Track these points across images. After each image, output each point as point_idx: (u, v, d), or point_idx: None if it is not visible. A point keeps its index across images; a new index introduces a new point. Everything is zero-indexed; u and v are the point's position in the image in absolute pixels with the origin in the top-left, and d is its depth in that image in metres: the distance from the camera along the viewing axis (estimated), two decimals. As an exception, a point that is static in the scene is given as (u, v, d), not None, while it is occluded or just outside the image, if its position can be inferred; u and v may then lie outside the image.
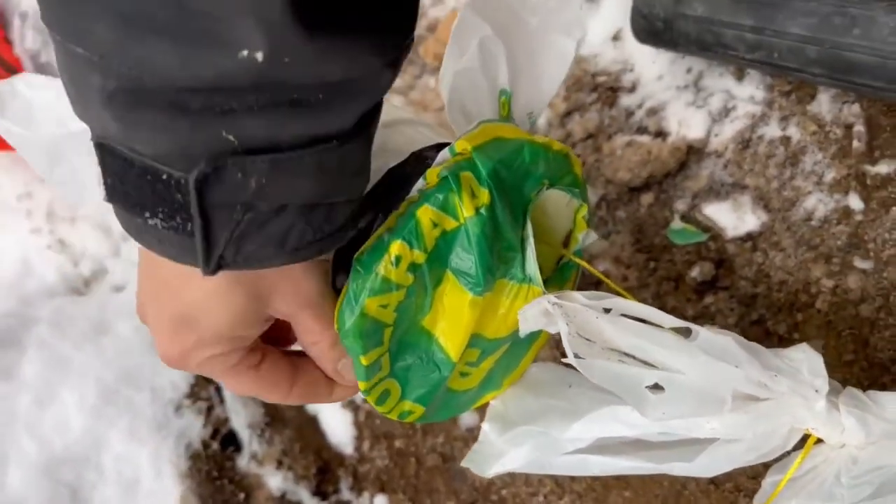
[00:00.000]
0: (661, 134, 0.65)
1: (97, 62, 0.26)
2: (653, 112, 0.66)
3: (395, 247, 0.36)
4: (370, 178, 0.36)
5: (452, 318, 0.40)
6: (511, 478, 0.69)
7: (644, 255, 0.65)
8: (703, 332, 0.40)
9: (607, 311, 0.41)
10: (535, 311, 0.41)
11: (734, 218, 0.60)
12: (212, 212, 0.29)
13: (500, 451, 0.47)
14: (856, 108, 0.57)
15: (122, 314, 0.74)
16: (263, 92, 0.27)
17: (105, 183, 0.31)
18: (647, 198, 0.65)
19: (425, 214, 0.36)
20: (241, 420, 0.76)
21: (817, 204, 0.57)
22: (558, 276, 0.47)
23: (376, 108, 0.33)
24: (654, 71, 0.66)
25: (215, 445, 0.74)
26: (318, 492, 0.78)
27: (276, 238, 0.32)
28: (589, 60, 0.72)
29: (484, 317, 0.41)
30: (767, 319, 0.58)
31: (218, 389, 0.77)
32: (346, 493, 0.77)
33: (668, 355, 0.40)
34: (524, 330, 0.43)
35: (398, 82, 0.88)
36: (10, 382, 0.67)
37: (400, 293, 0.37)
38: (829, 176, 0.57)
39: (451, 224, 0.37)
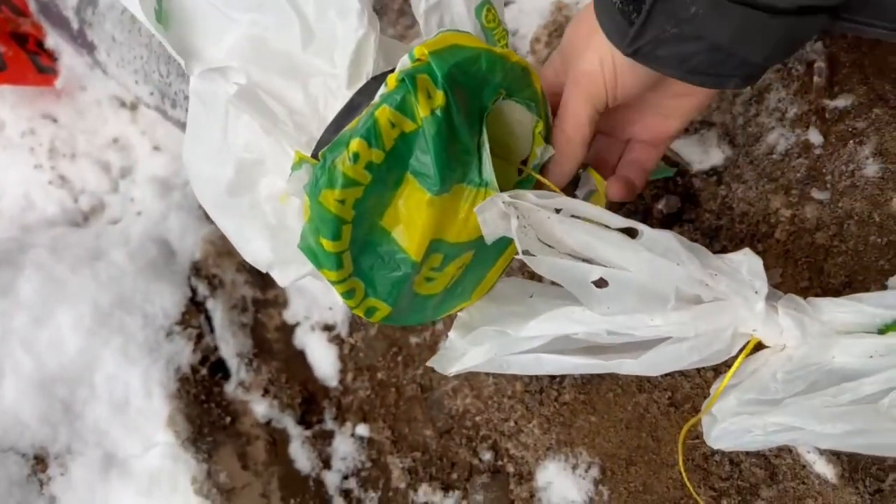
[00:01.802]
0: (636, 75, 0.68)
1: None
2: (629, 54, 0.68)
3: (354, 144, 0.38)
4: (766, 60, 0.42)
5: (412, 218, 0.43)
6: (484, 405, 0.72)
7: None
8: (648, 231, 0.42)
9: (558, 211, 0.43)
10: (493, 213, 0.43)
11: (700, 153, 0.62)
12: (655, 14, 0.39)
13: (461, 352, 0.50)
14: (818, 45, 0.59)
15: (118, 243, 0.77)
16: None
17: None
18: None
19: (383, 114, 0.38)
20: (229, 349, 0.79)
21: (779, 138, 0.59)
22: (518, 189, 0.50)
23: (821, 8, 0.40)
24: (631, 14, 0.68)
25: (204, 371, 0.77)
26: (303, 421, 0.81)
27: (682, 56, 0.41)
28: (570, 6, 0.74)
29: (444, 221, 0.44)
30: (730, 250, 0.61)
31: (208, 319, 0.80)
32: (329, 423, 0.80)
33: (614, 253, 0.42)
34: (487, 234, 0.45)
35: (391, 32, 0.90)
36: (7, 299, 0.70)
37: (357, 190, 0.39)
38: (792, 112, 0.59)
39: (409, 126, 0.39)
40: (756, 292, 0.43)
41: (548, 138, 0.48)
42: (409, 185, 0.42)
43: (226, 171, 0.45)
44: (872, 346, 0.41)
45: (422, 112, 0.39)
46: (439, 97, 0.39)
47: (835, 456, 0.57)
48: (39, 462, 0.69)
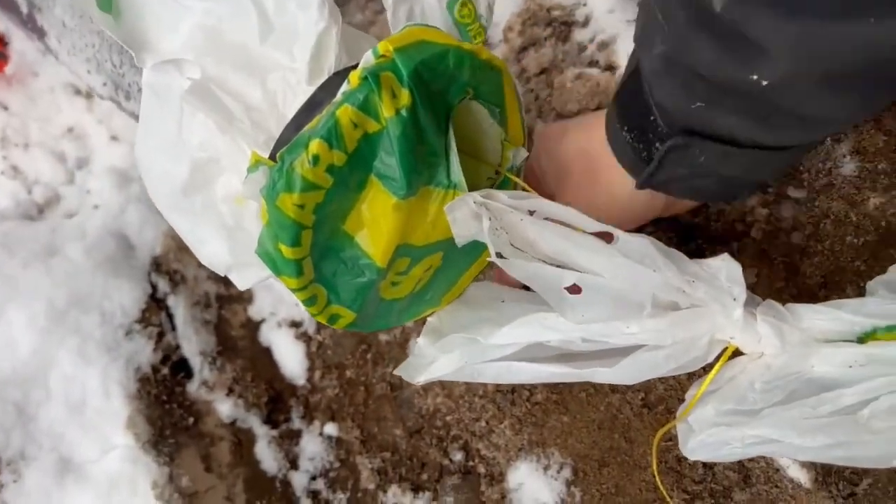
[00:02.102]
0: (610, 67, 0.66)
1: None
2: (604, 45, 0.67)
3: (314, 145, 0.36)
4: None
5: (377, 223, 0.40)
6: (455, 405, 0.70)
7: (591, 188, 0.66)
8: (623, 236, 0.40)
9: (532, 213, 0.41)
10: (464, 212, 0.41)
11: (677, 148, 0.61)
12: (666, 162, 0.44)
13: (430, 360, 0.48)
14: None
15: (73, 238, 0.73)
16: (764, 106, 0.37)
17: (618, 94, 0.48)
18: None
19: (345, 114, 0.36)
20: (192, 347, 0.77)
21: (757, 135, 0.58)
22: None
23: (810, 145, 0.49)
24: (605, 5, 0.67)
25: (165, 370, 0.74)
26: (269, 420, 0.78)
27: (695, 188, 0.46)
28: (545, -6, 0.72)
29: (411, 224, 0.42)
30: (706, 249, 0.59)
31: (169, 316, 0.77)
32: (296, 422, 0.78)
33: (588, 257, 0.41)
34: (458, 235, 0.43)
35: (359, 17, 0.87)
36: (-45, 299, 0.67)
37: (317, 194, 0.37)
38: (770, 107, 0.58)
39: (373, 126, 0.37)
40: (734, 299, 0.42)
41: (524, 141, 0.46)
42: (373, 189, 0.39)
43: (180, 169, 0.43)
44: (852, 356, 0.40)
45: (386, 112, 0.36)
46: (404, 96, 0.37)
47: (793, 463, 0.56)
48: (-9, 468, 0.66)
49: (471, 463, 0.69)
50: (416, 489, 0.70)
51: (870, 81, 0.35)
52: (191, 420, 0.74)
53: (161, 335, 0.75)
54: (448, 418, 0.71)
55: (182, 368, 0.76)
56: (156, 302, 0.76)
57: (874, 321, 0.41)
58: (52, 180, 0.81)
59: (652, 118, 0.44)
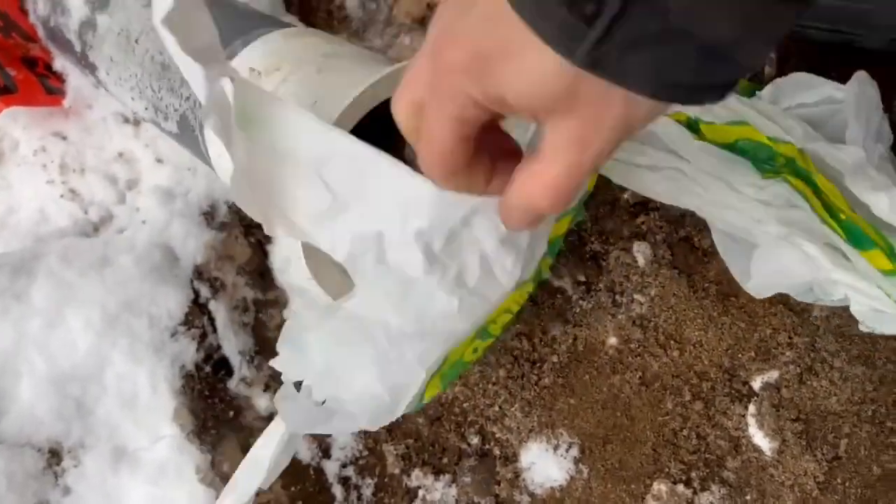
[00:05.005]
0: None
1: None
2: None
3: None
4: None
5: None
6: (471, 392, 0.75)
7: (588, 185, 0.71)
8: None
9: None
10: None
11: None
12: (632, 6, 0.26)
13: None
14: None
15: (124, 250, 0.81)
16: None
17: None
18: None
19: None
20: (232, 347, 0.84)
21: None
22: None
23: None
24: None
25: (207, 368, 0.82)
26: (303, 414, 0.85)
27: (660, 64, 0.29)
28: None
29: None
30: (693, 236, 0.64)
31: (211, 319, 0.84)
32: (328, 416, 0.84)
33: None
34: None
35: (378, 42, 0.95)
36: (22, 305, 0.75)
37: None
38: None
39: None
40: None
41: None
42: None
43: None
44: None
45: None
46: None
47: (779, 430, 0.59)
48: (54, 455, 0.74)
49: (486, 446, 0.74)
50: (438, 472, 0.76)
51: None
52: (231, 413, 0.80)
53: (203, 336, 0.82)
54: (465, 405, 0.76)
55: (223, 367, 0.83)
56: (198, 307, 0.84)
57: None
58: (105, 200, 0.89)
59: None
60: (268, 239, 0.90)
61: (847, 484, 0.56)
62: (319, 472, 0.81)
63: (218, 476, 0.75)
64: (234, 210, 0.89)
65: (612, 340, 0.70)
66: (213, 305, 0.85)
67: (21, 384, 0.74)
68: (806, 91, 0.60)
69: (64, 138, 0.92)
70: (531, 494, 0.71)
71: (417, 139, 0.35)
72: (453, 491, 0.74)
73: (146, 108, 0.68)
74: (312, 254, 0.52)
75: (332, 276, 0.54)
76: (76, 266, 0.79)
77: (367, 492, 0.78)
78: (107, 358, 0.77)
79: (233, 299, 0.86)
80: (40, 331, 0.75)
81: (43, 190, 0.91)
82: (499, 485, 0.72)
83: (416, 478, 0.76)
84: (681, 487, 0.64)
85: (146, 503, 0.73)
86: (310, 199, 0.38)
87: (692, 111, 0.57)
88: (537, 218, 0.34)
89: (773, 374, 0.66)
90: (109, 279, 0.79)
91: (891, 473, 0.55)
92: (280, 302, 0.90)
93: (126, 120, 0.91)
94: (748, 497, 0.62)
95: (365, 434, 0.81)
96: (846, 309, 0.57)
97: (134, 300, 0.79)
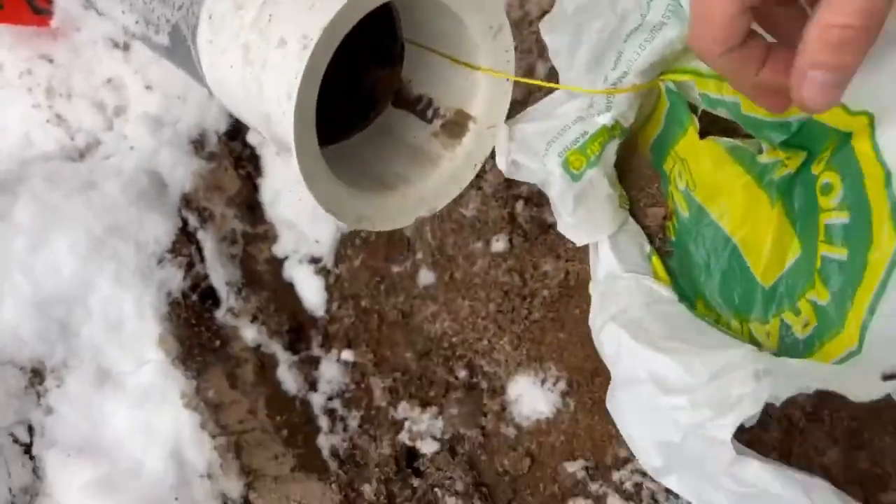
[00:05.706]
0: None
1: None
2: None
3: None
4: None
5: None
6: (461, 327, 0.75)
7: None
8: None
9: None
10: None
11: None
12: None
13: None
14: None
15: (110, 175, 0.80)
16: None
17: None
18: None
19: None
20: (219, 278, 0.83)
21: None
22: None
23: None
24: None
25: (194, 297, 0.81)
26: (290, 348, 0.84)
27: None
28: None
29: None
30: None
31: (199, 249, 0.83)
32: (316, 350, 0.84)
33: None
34: None
35: None
36: (4, 223, 0.74)
37: None
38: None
39: None
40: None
41: None
42: None
43: None
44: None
45: None
46: None
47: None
48: (37, 375, 0.73)
49: (474, 379, 0.74)
50: (424, 405, 0.75)
51: None
52: (217, 342, 0.80)
53: (191, 265, 0.81)
54: (454, 339, 0.76)
55: (210, 296, 0.82)
56: (186, 235, 0.82)
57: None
58: (93, 127, 0.87)
59: None
60: (258, 172, 0.88)
61: (834, 415, 0.57)
62: (306, 403, 0.81)
63: (203, 402, 0.75)
64: (224, 141, 0.87)
65: (604, 278, 0.69)
66: (200, 235, 0.83)
67: (4, 304, 0.73)
68: None
69: (51, 61, 0.89)
70: (517, 427, 0.71)
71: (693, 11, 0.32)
72: (440, 423, 0.74)
73: (137, 22, 0.66)
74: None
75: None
76: (62, 189, 0.78)
77: (353, 423, 0.78)
78: (92, 282, 0.76)
79: (221, 230, 0.85)
80: (24, 252, 0.74)
81: (28, 114, 0.89)
82: (485, 416, 0.72)
83: (403, 410, 0.76)
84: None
85: (130, 425, 0.73)
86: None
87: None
88: (845, 68, 0.30)
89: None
90: (96, 203, 0.78)
91: (876, 405, 0.55)
92: (269, 237, 0.89)
93: (116, 45, 0.88)
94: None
95: (352, 367, 0.81)
96: None
97: (121, 225, 0.78)
